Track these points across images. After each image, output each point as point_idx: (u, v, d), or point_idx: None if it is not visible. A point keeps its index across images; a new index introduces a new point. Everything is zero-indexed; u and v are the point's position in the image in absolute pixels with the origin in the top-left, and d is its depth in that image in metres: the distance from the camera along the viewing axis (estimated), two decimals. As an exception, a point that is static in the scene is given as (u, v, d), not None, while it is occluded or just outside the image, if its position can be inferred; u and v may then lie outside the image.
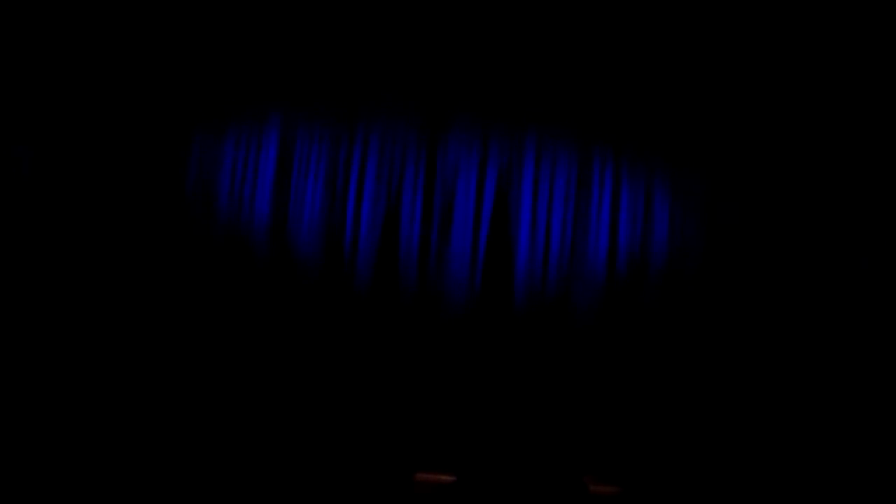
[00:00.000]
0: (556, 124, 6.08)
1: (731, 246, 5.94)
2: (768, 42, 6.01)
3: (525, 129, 6.10)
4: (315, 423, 5.65)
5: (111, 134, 5.67)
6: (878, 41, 5.89)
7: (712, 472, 5.68)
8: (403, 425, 5.75)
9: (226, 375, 5.59)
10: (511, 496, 5.67)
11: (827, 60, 5.98)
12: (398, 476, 5.57)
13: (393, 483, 5.56)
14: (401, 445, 5.70)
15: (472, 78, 6.05)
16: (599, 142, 6.09)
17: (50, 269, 5.52)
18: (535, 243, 5.98)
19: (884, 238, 5.82)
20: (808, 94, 6.00)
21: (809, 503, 5.54)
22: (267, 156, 5.88)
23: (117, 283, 5.58)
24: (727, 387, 5.77)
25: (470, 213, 6.03)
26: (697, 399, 5.79)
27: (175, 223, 5.69)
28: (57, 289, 5.51)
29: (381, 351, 5.80)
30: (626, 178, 6.07)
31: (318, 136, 5.96)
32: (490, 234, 6.02)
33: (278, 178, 5.89)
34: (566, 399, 5.82)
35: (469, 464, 5.74)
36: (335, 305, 5.80)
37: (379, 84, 5.99)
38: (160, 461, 5.40)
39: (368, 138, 5.99)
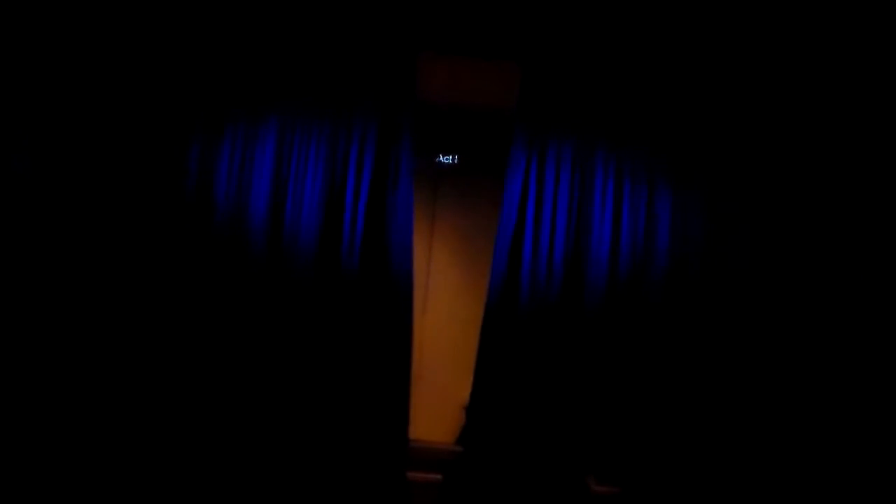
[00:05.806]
0: (558, 122, 6.05)
1: (734, 246, 5.89)
2: (773, 40, 5.97)
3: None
4: (314, 419, 5.66)
5: (107, 135, 5.71)
6: (885, 42, 5.84)
7: (718, 473, 5.65)
8: (402, 423, 5.75)
9: (221, 374, 5.61)
10: (511, 494, 5.67)
11: (829, 60, 5.93)
12: (391, 475, 5.59)
13: (386, 482, 5.58)
14: (397, 444, 5.71)
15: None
16: (602, 140, 6.05)
17: (46, 267, 5.57)
18: (538, 243, 5.94)
19: (887, 238, 5.77)
20: (811, 93, 5.95)
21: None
22: (263, 156, 5.89)
23: (114, 281, 5.62)
24: (730, 388, 5.73)
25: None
26: (701, 399, 5.75)
27: (172, 224, 5.72)
28: (53, 287, 5.55)
29: (381, 350, 5.80)
30: (627, 176, 6.02)
31: (317, 137, 5.96)
32: None
33: (275, 178, 5.89)
34: (568, 398, 5.79)
35: (467, 463, 5.74)
36: (333, 305, 5.80)
37: (377, 83, 5.99)
38: (157, 457, 5.46)
39: (366, 138, 5.98)
